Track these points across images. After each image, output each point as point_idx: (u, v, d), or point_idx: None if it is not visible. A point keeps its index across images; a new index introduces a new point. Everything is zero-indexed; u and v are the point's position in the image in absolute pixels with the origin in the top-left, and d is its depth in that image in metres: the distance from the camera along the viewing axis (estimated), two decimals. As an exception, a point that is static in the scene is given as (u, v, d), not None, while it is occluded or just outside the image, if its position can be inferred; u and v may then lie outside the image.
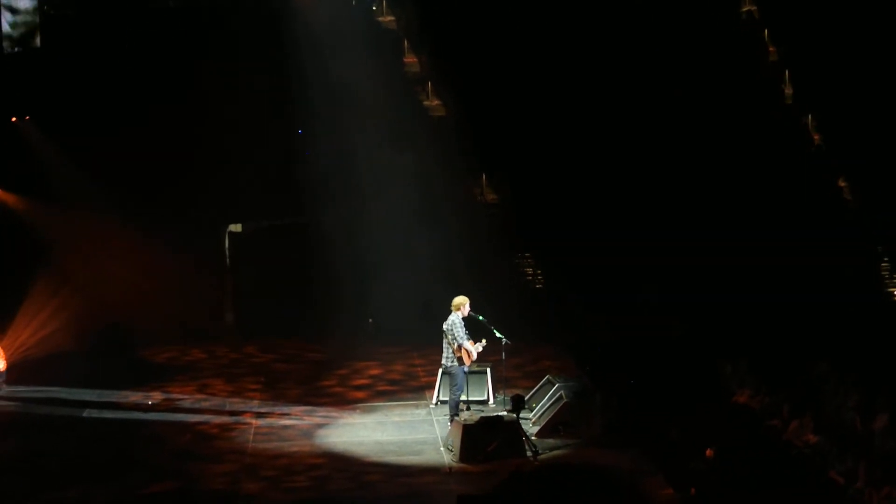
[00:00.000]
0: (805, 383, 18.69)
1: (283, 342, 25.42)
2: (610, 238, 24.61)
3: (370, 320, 25.76)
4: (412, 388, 21.58)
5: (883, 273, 27.01)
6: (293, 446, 18.21)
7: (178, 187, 25.54)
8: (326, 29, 25.31)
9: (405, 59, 27.37)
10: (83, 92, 25.05)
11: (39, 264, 24.88)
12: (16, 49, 24.66)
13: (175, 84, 25.13)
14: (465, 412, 18.25)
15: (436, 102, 27.38)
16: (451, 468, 16.97)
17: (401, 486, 16.32)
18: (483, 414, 18.19)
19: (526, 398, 19.06)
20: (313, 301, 25.87)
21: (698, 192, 25.96)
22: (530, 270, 27.59)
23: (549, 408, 18.59)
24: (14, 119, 25.14)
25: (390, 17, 27.26)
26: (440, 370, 19.45)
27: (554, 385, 19.06)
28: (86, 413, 20.39)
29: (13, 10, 24.84)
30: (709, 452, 15.76)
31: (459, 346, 18.24)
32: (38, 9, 25.39)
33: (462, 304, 18.48)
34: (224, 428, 19.35)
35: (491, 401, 19.91)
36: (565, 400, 18.34)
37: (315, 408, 20.39)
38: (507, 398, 18.84)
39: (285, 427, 19.27)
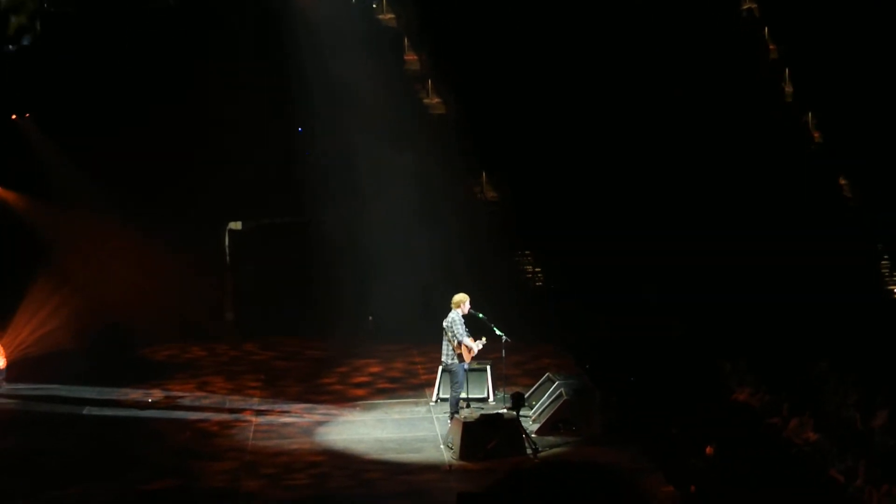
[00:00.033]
0: (805, 381, 18.70)
1: (283, 340, 25.42)
2: (610, 237, 24.61)
3: (370, 318, 25.76)
4: (412, 385, 21.59)
5: (883, 271, 27.00)
6: (293, 444, 18.22)
7: (178, 186, 25.52)
8: (326, 27, 25.29)
9: (405, 58, 27.37)
10: (83, 91, 25.02)
11: (39, 262, 24.87)
12: (11, 47, 24.61)
13: (175, 84, 25.11)
14: (465, 410, 18.27)
15: (436, 101, 27.39)
16: (450, 466, 16.97)
17: (401, 484, 16.33)
18: (483, 411, 18.21)
19: (526, 396, 19.04)
20: (313, 299, 25.87)
21: (698, 191, 25.95)
22: (530, 269, 27.60)
23: (548, 405, 18.60)
24: (14, 117, 25.12)
25: (390, 16, 27.26)
26: (440, 368, 19.45)
27: (554, 383, 19.07)
28: (86, 411, 20.39)
29: (14, 8, 24.83)
30: (709, 450, 15.76)
31: (459, 343, 18.24)
32: (39, 6, 25.36)
33: (462, 302, 18.48)
34: (224, 425, 19.36)
35: (491, 398, 19.92)
36: (565, 398, 18.35)
37: (315, 405, 20.40)
38: (507, 396, 18.84)
39: (285, 425, 19.28)
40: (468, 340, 18.28)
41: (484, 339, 18.52)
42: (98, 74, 25.19)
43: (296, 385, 21.96)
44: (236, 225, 27.43)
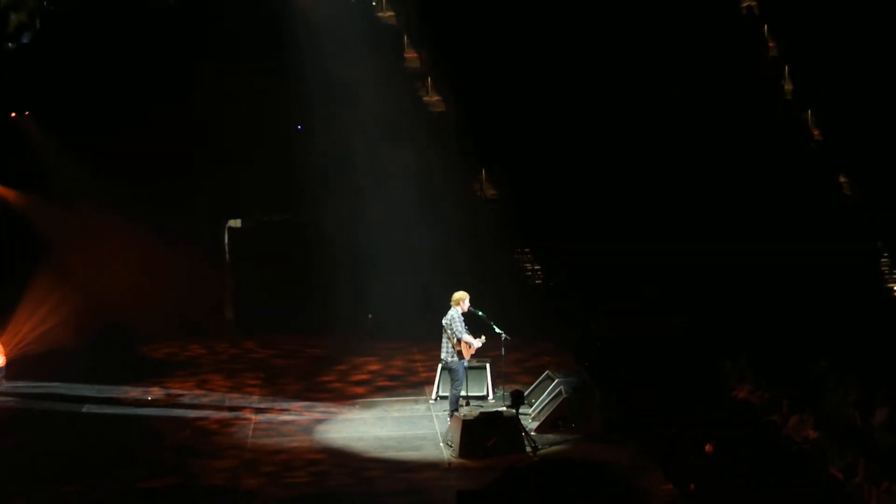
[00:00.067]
0: (805, 379, 18.69)
1: (283, 338, 25.43)
2: (610, 235, 24.62)
3: (370, 316, 25.75)
4: (412, 383, 21.58)
5: (882, 269, 27.01)
6: (293, 442, 18.21)
7: (178, 184, 25.53)
8: (326, 26, 25.28)
9: (405, 55, 27.37)
10: (83, 90, 25.03)
11: (39, 260, 24.88)
12: (11, 45, 24.59)
13: (175, 83, 25.11)
14: (465, 408, 18.25)
15: (435, 98, 27.39)
16: (450, 464, 16.97)
17: (400, 482, 16.33)
18: (482, 409, 18.20)
19: (525, 394, 19.04)
20: (313, 297, 25.86)
21: (698, 190, 25.96)
22: (530, 266, 27.61)
23: (548, 403, 18.59)
24: (13, 114, 25.12)
25: (390, 13, 27.27)
26: (440, 365, 19.45)
27: (553, 380, 19.07)
28: (85, 409, 20.38)
29: (14, 5, 24.82)
30: (708, 448, 15.76)
31: (459, 341, 18.23)
32: (38, 4, 25.34)
33: (461, 300, 18.47)
34: (223, 423, 19.35)
35: (490, 396, 19.91)
36: (565, 395, 18.34)
37: (314, 403, 20.39)
38: (507, 394, 18.82)
39: (285, 423, 19.27)
40: (468, 337, 18.26)
41: (483, 337, 18.51)
42: (98, 73, 25.20)
43: (295, 383, 21.95)
44: (236, 223, 27.44)
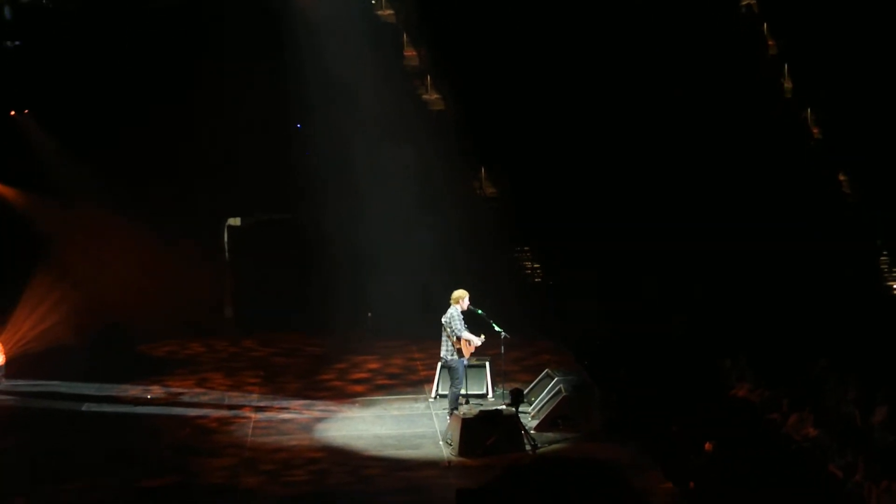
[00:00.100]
0: (805, 378, 18.69)
1: (282, 336, 25.42)
2: (610, 233, 24.63)
3: (369, 314, 25.74)
4: (411, 381, 21.58)
5: (882, 267, 27.02)
6: (292, 440, 18.21)
7: (178, 183, 25.55)
8: (325, 24, 25.28)
9: (404, 54, 27.37)
10: (83, 89, 25.04)
11: (39, 259, 24.89)
12: (8, 42, 24.60)
13: (175, 82, 25.12)
14: (464, 406, 18.25)
15: (435, 96, 27.39)
16: (450, 462, 16.97)
17: (400, 480, 16.33)
18: (482, 408, 18.20)
19: (525, 392, 19.04)
20: (312, 295, 25.86)
21: (698, 188, 25.97)
22: (529, 264, 27.61)
23: (548, 402, 18.59)
24: (13, 113, 25.12)
25: (389, 12, 27.26)
26: (439, 364, 19.45)
27: (553, 379, 19.06)
28: (85, 407, 20.37)
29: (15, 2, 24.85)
30: (708, 446, 15.75)
31: (458, 339, 18.22)
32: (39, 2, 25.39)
33: (461, 298, 18.46)
34: (223, 422, 19.35)
35: (490, 394, 19.91)
36: (564, 394, 18.34)
37: (314, 402, 20.38)
38: (506, 392, 18.83)
39: (284, 421, 19.27)
40: (467, 334, 18.26)
41: (483, 335, 18.51)
42: (98, 73, 25.22)
43: (295, 381, 21.95)
44: (235, 221, 27.43)
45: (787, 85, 27.82)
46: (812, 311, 22.38)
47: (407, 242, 24.81)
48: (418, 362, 22.76)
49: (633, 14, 26.46)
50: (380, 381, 21.77)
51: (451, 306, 18.40)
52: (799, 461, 15.78)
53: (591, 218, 25.18)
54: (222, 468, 17.04)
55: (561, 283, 26.20)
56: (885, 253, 27.07)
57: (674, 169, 26.03)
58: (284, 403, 20.33)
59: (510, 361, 19.94)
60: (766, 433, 16.95)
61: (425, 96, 27.38)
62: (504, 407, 18.23)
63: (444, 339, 18.40)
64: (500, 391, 19.61)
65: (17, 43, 24.84)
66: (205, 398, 20.88)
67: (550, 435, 17.94)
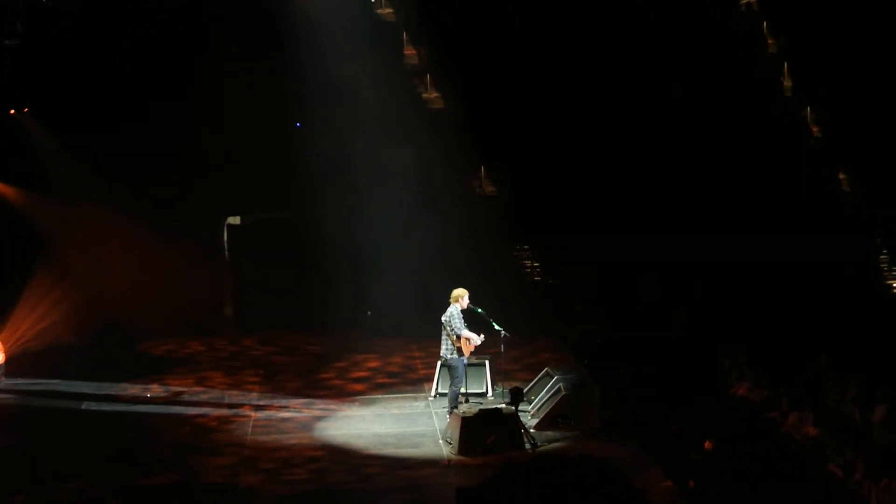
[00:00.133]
0: (804, 376, 18.69)
1: (282, 335, 25.44)
2: (609, 231, 24.62)
3: (369, 313, 25.75)
4: (411, 380, 21.60)
5: (882, 266, 27.03)
6: (292, 439, 18.22)
7: (178, 182, 25.54)
8: (325, 23, 25.27)
9: (404, 52, 27.35)
10: (83, 87, 25.03)
11: (38, 257, 24.89)
12: (6, 41, 24.59)
13: (175, 81, 25.12)
14: (464, 405, 18.26)
15: (434, 95, 27.38)
16: (449, 461, 16.98)
17: (399, 479, 16.34)
18: (482, 406, 18.20)
19: (525, 390, 19.07)
20: (312, 294, 25.86)
21: (697, 186, 25.96)
22: (529, 263, 27.61)
23: (547, 400, 18.60)
24: (13, 111, 25.12)
25: (389, 10, 27.24)
26: (439, 362, 19.46)
27: (553, 377, 19.07)
28: (84, 406, 20.38)
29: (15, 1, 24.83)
30: (707, 445, 15.76)
31: (458, 338, 18.23)
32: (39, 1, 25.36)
33: (461, 296, 18.48)
34: (223, 420, 19.36)
35: (489, 393, 19.92)
36: (564, 392, 18.35)
37: (314, 400, 20.40)
38: (506, 390, 18.84)
39: (284, 419, 19.28)
40: (467, 332, 18.28)
41: (482, 335, 18.51)
42: (98, 71, 25.21)
43: (295, 380, 21.96)
44: (235, 220, 27.42)
45: (787, 83, 27.80)
46: (811, 310, 22.36)
47: (407, 241, 24.81)
48: (418, 361, 22.77)
49: (633, 12, 26.43)
50: (379, 380, 21.78)
51: (451, 305, 18.42)
52: (798, 460, 15.78)
53: (591, 217, 25.17)
54: (222, 467, 17.04)
55: (561, 282, 26.19)
56: (884, 251, 27.06)
57: (674, 167, 26.01)
58: (284, 402, 20.34)
59: (510, 360, 19.94)
60: (766, 432, 16.94)
61: (425, 95, 27.36)
62: (504, 405, 18.23)
63: (443, 337, 18.42)
64: (499, 390, 19.61)
65: (17, 42, 24.80)
66: (204, 397, 20.90)
67: (550, 433, 17.96)
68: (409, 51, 27.37)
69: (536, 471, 16.06)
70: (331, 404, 20.12)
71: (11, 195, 25.41)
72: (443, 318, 18.40)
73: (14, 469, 17.13)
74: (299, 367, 22.99)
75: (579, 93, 26.06)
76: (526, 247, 27.59)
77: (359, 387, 21.38)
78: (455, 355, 18.32)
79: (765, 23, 27.83)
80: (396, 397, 20.48)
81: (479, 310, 18.62)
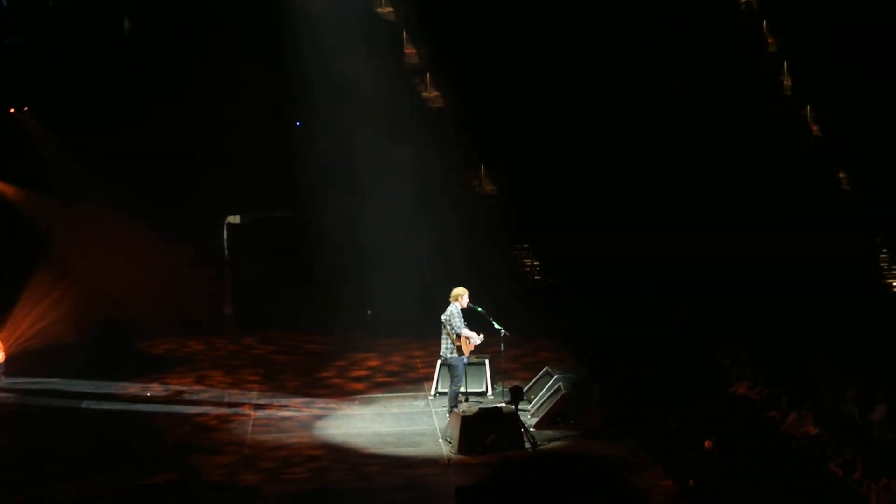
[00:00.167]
0: (804, 375, 18.70)
1: (282, 334, 25.43)
2: (608, 230, 24.62)
3: (369, 312, 25.76)
4: (411, 379, 21.59)
5: (881, 265, 27.03)
6: (292, 438, 18.21)
7: (177, 181, 25.54)
8: (325, 22, 25.27)
9: (404, 51, 27.35)
10: (83, 87, 25.03)
11: (38, 256, 24.88)
12: (7, 40, 24.60)
13: (175, 81, 25.12)
14: (464, 404, 18.26)
15: (434, 94, 27.38)
16: (449, 460, 16.98)
17: (399, 478, 16.33)
18: (482, 405, 18.19)
19: (524, 390, 19.06)
20: (312, 293, 25.87)
21: (697, 185, 25.96)
22: (528, 262, 27.62)
23: (547, 399, 18.60)
24: (13, 110, 25.12)
25: (389, 9, 27.24)
26: (439, 361, 19.46)
27: (552, 376, 19.07)
28: (84, 405, 20.37)
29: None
30: (707, 444, 15.77)
31: (458, 337, 18.23)
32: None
33: (460, 295, 18.48)
34: (223, 419, 19.35)
35: (489, 392, 19.92)
36: (564, 391, 18.34)
37: (314, 399, 20.40)
38: (506, 390, 18.82)
39: (284, 418, 19.28)
40: (467, 331, 18.28)
41: (482, 334, 18.51)
42: (98, 70, 25.20)
43: (294, 379, 21.96)
44: (235, 219, 27.42)
45: (787, 82, 27.81)
46: (811, 310, 22.36)
47: (407, 240, 24.82)
48: (418, 360, 22.77)
49: (633, 11, 26.42)
50: (379, 379, 21.78)
51: (451, 304, 18.42)
52: (798, 459, 15.80)
53: (591, 216, 25.17)
54: (222, 466, 17.04)
55: (560, 281, 26.19)
56: (884, 250, 27.07)
57: (673, 165, 26.01)
58: (284, 401, 20.34)
59: (510, 359, 19.95)
60: (766, 431, 16.96)
61: (425, 94, 27.36)
62: (504, 405, 18.23)
63: (443, 336, 18.42)
64: (499, 389, 19.61)
65: (17, 40, 24.81)
66: (204, 396, 20.89)
67: (550, 432, 17.95)
68: (409, 50, 27.37)
69: (536, 470, 16.08)
70: (331, 403, 20.12)
71: (11, 194, 25.40)
72: (443, 317, 18.40)
73: (13, 468, 17.13)
74: (299, 366, 22.99)
75: (579, 92, 26.06)
76: (525, 246, 27.58)
77: (359, 386, 21.37)
78: (455, 354, 18.33)
79: (765, 21, 27.83)
80: (396, 396, 20.48)
81: (479, 309, 18.62)
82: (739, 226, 24.78)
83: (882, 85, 25.70)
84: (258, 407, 20.03)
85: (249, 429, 18.77)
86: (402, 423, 18.87)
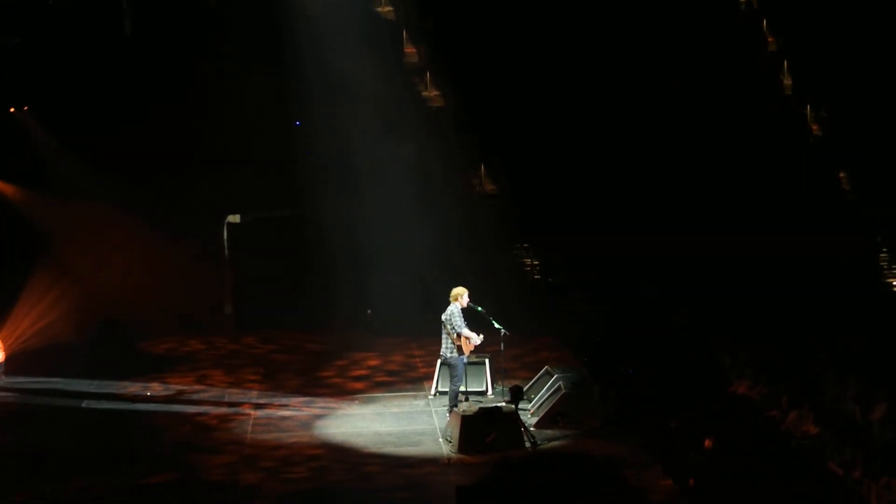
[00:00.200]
0: (804, 374, 18.71)
1: (282, 333, 25.41)
2: (609, 230, 24.63)
3: (369, 311, 25.76)
4: (411, 378, 21.59)
5: (881, 264, 27.04)
6: (292, 437, 18.21)
7: (177, 180, 25.58)
8: (325, 22, 25.29)
9: (404, 50, 27.36)
10: (83, 87, 25.05)
11: (38, 255, 24.90)
12: (6, 41, 24.62)
13: (174, 80, 25.14)
14: (464, 403, 18.26)
15: (434, 93, 27.39)
16: (449, 459, 16.98)
17: (399, 477, 16.33)
18: (482, 405, 18.19)
19: (524, 389, 19.06)
20: (312, 292, 25.87)
21: (697, 185, 25.97)
22: (529, 261, 27.62)
23: (547, 399, 18.60)
24: (13, 110, 25.13)
25: (388, 8, 27.25)
26: (439, 361, 19.46)
27: (552, 376, 19.06)
28: (84, 404, 20.37)
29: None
30: (707, 443, 15.77)
31: (458, 336, 18.24)
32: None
33: (460, 295, 18.48)
34: (223, 419, 19.35)
35: (489, 392, 19.92)
36: (564, 391, 18.34)
37: (314, 399, 20.39)
38: (506, 389, 18.82)
39: (284, 418, 19.28)
40: (467, 331, 18.28)
41: (482, 334, 18.51)
42: (98, 70, 25.22)
43: (294, 378, 21.95)
44: (235, 218, 27.43)
45: (787, 81, 27.82)
46: (811, 309, 22.36)
47: (407, 240, 24.82)
48: (418, 359, 22.77)
49: (633, 10, 26.43)
50: (379, 378, 21.78)
51: (451, 303, 18.42)
52: (798, 458, 15.80)
53: (591, 216, 25.17)
54: (222, 465, 17.04)
55: (561, 281, 26.19)
56: (884, 250, 27.07)
57: (673, 165, 26.02)
58: (284, 400, 20.34)
59: (510, 358, 19.93)
60: (766, 430, 16.96)
61: (425, 93, 27.37)
62: (504, 404, 18.22)
63: (443, 336, 18.42)
64: (499, 388, 19.60)
65: (17, 40, 24.82)
66: (204, 395, 20.89)
67: (550, 432, 17.95)
68: (409, 49, 27.38)
69: (536, 469, 16.09)
70: (331, 402, 20.12)
71: (11, 194, 25.41)
72: (443, 317, 18.40)
73: (14, 467, 17.13)
74: (299, 365, 22.99)
75: (579, 91, 26.07)
76: (526, 245, 27.58)
77: (359, 385, 21.37)
78: (455, 354, 18.33)
79: (765, 21, 27.85)
80: (396, 396, 20.48)
81: (480, 308, 18.62)
82: (740, 226, 24.77)
83: (882, 85, 25.71)
84: (258, 406, 20.03)
85: (249, 428, 18.77)
86: (402, 422, 18.87)
